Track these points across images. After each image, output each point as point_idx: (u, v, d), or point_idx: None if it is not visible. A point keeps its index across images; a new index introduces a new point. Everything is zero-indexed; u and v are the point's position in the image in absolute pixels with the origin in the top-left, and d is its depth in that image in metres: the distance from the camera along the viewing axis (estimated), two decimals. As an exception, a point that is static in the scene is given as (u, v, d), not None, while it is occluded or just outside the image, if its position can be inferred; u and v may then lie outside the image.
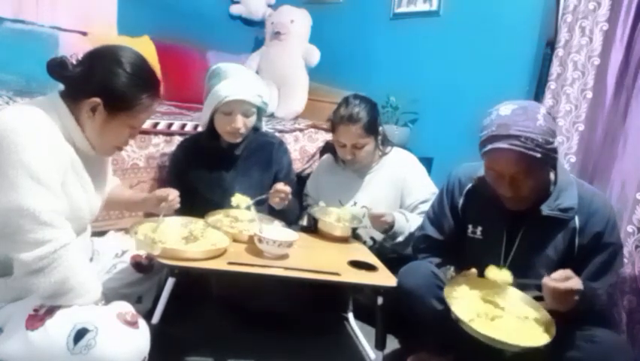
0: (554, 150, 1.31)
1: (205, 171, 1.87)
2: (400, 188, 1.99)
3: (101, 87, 1.18)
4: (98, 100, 1.17)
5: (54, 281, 1.07)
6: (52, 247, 1.06)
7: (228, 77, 1.77)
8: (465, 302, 1.35)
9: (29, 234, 1.04)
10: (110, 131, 1.23)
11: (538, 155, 1.26)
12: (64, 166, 1.16)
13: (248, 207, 1.69)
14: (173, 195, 1.51)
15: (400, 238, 1.83)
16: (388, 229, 1.82)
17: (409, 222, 1.85)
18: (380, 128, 2.03)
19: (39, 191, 1.06)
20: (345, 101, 2.00)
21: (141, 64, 1.25)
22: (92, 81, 1.18)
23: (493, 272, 1.38)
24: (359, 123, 1.91)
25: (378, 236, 1.94)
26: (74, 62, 1.21)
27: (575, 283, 1.23)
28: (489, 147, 1.31)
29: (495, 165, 1.34)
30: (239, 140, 1.85)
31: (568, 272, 1.25)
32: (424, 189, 1.98)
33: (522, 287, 1.40)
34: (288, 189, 1.78)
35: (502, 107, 1.35)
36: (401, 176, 2.01)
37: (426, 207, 1.90)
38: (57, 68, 1.20)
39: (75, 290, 1.11)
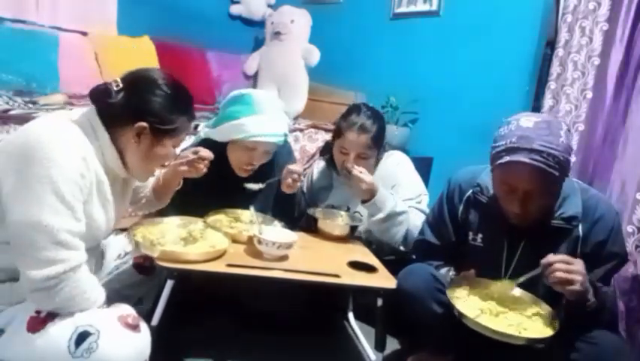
0: (570, 167, 1.27)
1: (207, 191, 1.68)
2: (390, 186, 1.94)
3: (149, 112, 1.19)
4: (145, 125, 1.18)
5: (59, 300, 1.07)
6: (62, 268, 1.05)
7: (260, 112, 1.67)
8: (467, 301, 1.35)
9: (42, 251, 1.03)
10: (155, 154, 1.24)
11: (557, 173, 1.22)
12: (90, 186, 1.15)
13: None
14: (205, 152, 1.50)
15: (381, 215, 1.75)
16: (368, 199, 1.75)
17: (395, 202, 1.77)
18: (385, 143, 1.99)
19: (61, 210, 1.05)
20: (357, 108, 1.94)
21: (179, 86, 1.26)
22: (139, 107, 1.19)
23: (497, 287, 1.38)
24: (369, 134, 1.86)
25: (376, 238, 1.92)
26: (116, 88, 1.19)
27: (578, 265, 1.20)
28: (506, 158, 1.24)
29: (510, 178, 1.28)
30: (248, 174, 1.78)
31: (568, 258, 1.22)
32: (412, 188, 1.93)
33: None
34: (300, 169, 1.74)
35: (522, 119, 1.27)
36: (392, 175, 1.97)
37: (410, 203, 1.87)
38: (101, 95, 1.19)
39: (79, 305, 1.11)
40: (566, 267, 1.19)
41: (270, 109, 1.71)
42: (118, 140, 1.21)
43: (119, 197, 1.33)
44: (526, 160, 1.21)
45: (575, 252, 1.35)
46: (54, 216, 1.03)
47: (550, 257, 1.22)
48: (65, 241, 1.05)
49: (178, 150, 1.99)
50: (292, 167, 1.74)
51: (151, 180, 1.55)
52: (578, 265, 1.21)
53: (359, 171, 1.74)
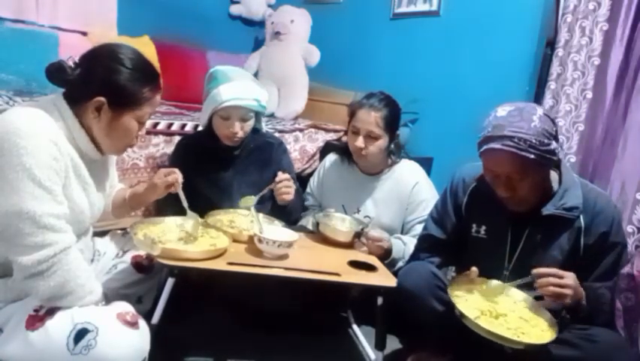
0: (551, 152, 1.30)
1: (204, 170, 1.86)
2: (406, 203, 1.96)
3: (104, 86, 1.18)
4: (102, 99, 1.17)
5: (53, 285, 1.07)
6: (51, 250, 1.06)
7: (226, 81, 1.75)
8: (468, 301, 1.36)
9: (29, 237, 1.04)
10: (117, 130, 1.23)
11: (532, 156, 1.26)
12: (66, 169, 1.15)
13: (248, 208, 1.68)
14: (177, 173, 1.46)
15: (401, 263, 1.79)
16: (385, 256, 1.75)
17: (407, 245, 1.81)
18: (397, 133, 2.00)
19: (40, 195, 1.05)
20: (372, 93, 1.97)
21: (139, 58, 1.25)
22: (94, 81, 1.18)
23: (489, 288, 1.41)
24: (379, 113, 1.89)
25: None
26: (72, 65, 1.20)
27: (569, 279, 1.27)
28: (484, 147, 1.34)
29: (490, 165, 1.37)
30: (237, 144, 1.85)
31: (560, 271, 1.28)
32: (427, 209, 1.89)
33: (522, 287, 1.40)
34: (287, 175, 1.77)
35: (499, 109, 1.36)
36: (408, 190, 1.96)
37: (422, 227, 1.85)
38: (56, 73, 1.19)
39: (75, 293, 1.11)
40: (557, 281, 1.26)
41: (236, 77, 1.78)
42: (83, 118, 1.20)
43: (99, 178, 1.33)
44: (498, 146, 1.28)
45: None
46: (34, 202, 1.04)
47: (542, 269, 1.28)
48: (50, 225, 1.06)
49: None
50: (281, 175, 1.76)
51: (115, 190, 1.54)
52: (569, 279, 1.27)
53: (375, 238, 1.72)
